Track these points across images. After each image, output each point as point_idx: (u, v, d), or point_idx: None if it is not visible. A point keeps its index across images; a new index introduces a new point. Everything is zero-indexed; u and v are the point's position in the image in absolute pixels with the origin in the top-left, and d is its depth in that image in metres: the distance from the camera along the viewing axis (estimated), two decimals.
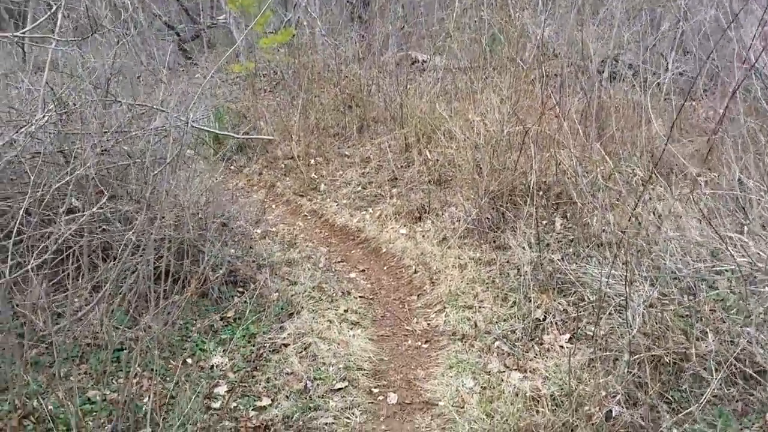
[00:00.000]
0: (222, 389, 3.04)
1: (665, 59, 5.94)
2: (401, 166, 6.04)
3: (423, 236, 4.94)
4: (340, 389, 3.11)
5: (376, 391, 3.18)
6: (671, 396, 2.68)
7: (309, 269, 4.49)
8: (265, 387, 3.10)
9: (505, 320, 3.58)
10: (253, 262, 4.26)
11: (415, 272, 4.56)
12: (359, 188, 6.09)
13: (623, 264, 3.04)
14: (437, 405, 3.01)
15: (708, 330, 2.71)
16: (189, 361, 3.20)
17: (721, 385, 2.55)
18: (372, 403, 3.07)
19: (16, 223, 2.52)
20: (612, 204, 3.82)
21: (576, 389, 2.76)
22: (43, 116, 2.99)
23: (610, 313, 3.15)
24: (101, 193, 3.06)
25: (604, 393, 2.72)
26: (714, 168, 4.04)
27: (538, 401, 2.84)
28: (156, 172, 3.06)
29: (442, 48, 7.48)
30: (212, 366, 3.21)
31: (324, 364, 3.31)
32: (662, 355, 2.75)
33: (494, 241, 4.39)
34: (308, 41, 8.53)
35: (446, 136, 5.69)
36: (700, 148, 4.71)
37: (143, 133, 3.54)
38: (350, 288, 4.36)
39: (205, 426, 2.71)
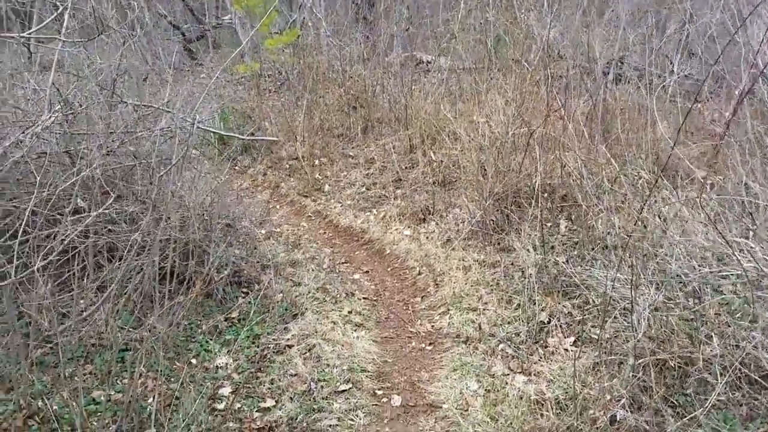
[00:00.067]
0: (226, 390, 3.04)
1: (671, 61, 5.93)
2: (405, 167, 6.04)
3: (427, 238, 4.93)
4: (344, 391, 3.12)
5: (380, 393, 3.18)
6: (676, 400, 2.68)
7: (313, 270, 4.49)
8: (269, 388, 3.10)
9: (509, 323, 3.57)
10: (258, 262, 4.26)
11: (419, 274, 4.56)
12: (363, 189, 6.09)
13: (629, 267, 3.03)
14: (441, 408, 3.01)
15: (713, 334, 2.70)
16: (194, 361, 3.21)
17: (726, 389, 2.54)
18: (376, 405, 3.07)
19: (22, 223, 2.53)
20: (617, 207, 3.82)
21: (580, 393, 2.75)
22: (49, 117, 3.00)
23: (615, 317, 3.14)
24: (107, 193, 3.07)
25: (608, 397, 2.71)
26: (719, 171, 4.03)
27: (543, 405, 2.84)
28: (162, 173, 3.06)
29: (447, 49, 7.48)
30: (216, 367, 3.21)
31: (328, 365, 3.31)
32: (667, 359, 2.74)
33: (498, 243, 4.39)
34: (313, 42, 8.54)
35: (451, 137, 5.69)
36: (706, 150, 4.70)
37: (149, 134, 3.55)
38: (354, 289, 4.36)
39: (210, 427, 2.71)
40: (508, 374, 3.14)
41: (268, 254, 4.53)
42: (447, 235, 4.77)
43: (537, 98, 5.06)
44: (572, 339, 3.28)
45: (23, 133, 3.01)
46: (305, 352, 3.42)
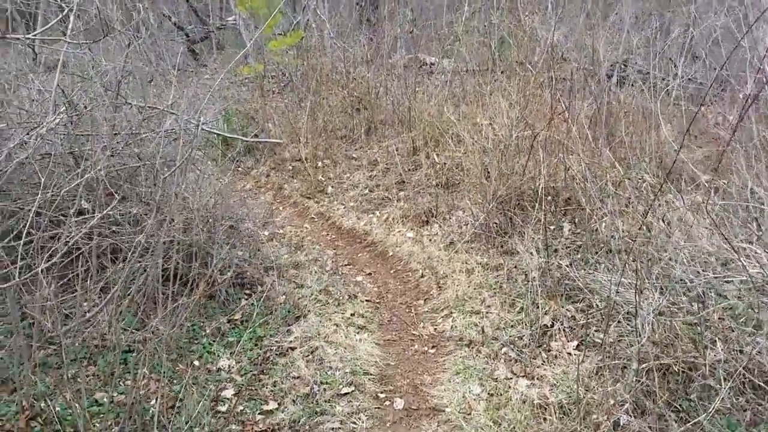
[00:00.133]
0: (229, 392, 3.04)
1: (675, 65, 5.92)
2: (409, 170, 6.04)
3: (430, 240, 4.93)
4: (346, 394, 3.11)
5: (382, 396, 3.18)
6: (679, 405, 2.67)
7: (316, 272, 4.49)
8: (271, 391, 3.10)
9: (512, 326, 3.56)
10: (261, 264, 4.26)
11: (422, 276, 4.56)
12: (366, 191, 6.09)
13: (633, 272, 3.03)
14: (444, 411, 3.00)
15: (717, 339, 2.69)
16: (196, 363, 3.21)
17: (730, 394, 2.53)
18: (378, 408, 3.07)
19: (26, 224, 2.53)
20: (621, 210, 3.81)
21: (584, 397, 2.75)
22: (54, 118, 3.01)
23: (618, 321, 3.13)
24: (111, 195, 3.07)
25: (612, 401, 2.70)
26: (724, 175, 4.01)
27: (546, 409, 2.83)
28: (166, 175, 3.06)
29: (451, 51, 7.49)
30: (219, 369, 3.21)
31: (330, 368, 3.30)
32: (671, 363, 2.74)
33: (502, 246, 4.38)
34: (317, 43, 8.55)
35: (454, 139, 5.69)
36: (710, 154, 4.69)
37: (153, 136, 3.55)
38: (357, 291, 4.36)
39: (212, 429, 2.71)
40: (511, 378, 3.14)
41: (271, 256, 4.53)
42: (450, 238, 4.77)
43: (541, 101, 5.06)
44: (575, 343, 3.27)
45: (28, 134, 3.02)
46: (308, 355, 3.42)
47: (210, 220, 3.86)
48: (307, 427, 2.84)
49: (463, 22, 7.41)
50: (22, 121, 3.39)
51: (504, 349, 3.37)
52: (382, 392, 3.21)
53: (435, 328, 3.86)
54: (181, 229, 3.42)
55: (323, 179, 6.58)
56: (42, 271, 2.39)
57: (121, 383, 2.89)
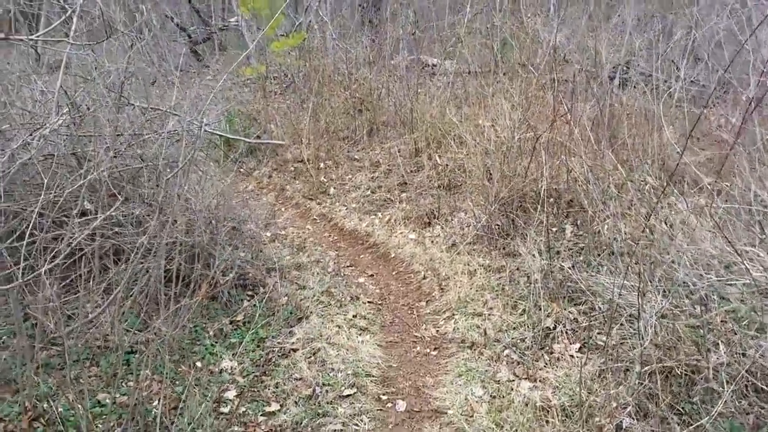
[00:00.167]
0: (231, 394, 3.04)
1: (677, 67, 5.91)
2: (411, 171, 6.04)
3: (432, 242, 4.93)
4: (348, 396, 3.11)
5: (384, 398, 3.18)
6: (682, 408, 2.66)
7: (318, 273, 4.49)
8: (274, 392, 3.10)
9: (514, 328, 3.56)
10: (263, 265, 4.26)
11: (424, 278, 4.55)
12: (368, 192, 6.09)
13: (636, 275, 3.02)
14: (446, 413, 3.00)
15: (720, 342, 2.69)
16: (199, 364, 3.21)
17: (732, 397, 2.53)
18: (380, 410, 3.07)
19: (29, 225, 2.54)
20: (623, 213, 3.81)
21: (586, 400, 2.74)
22: (57, 119, 3.01)
23: (621, 324, 3.13)
24: (114, 196, 3.07)
25: (614, 404, 2.70)
26: (726, 177, 4.01)
27: (548, 411, 2.83)
28: (169, 176, 3.07)
29: (453, 53, 7.49)
30: (221, 370, 3.21)
31: (333, 369, 3.30)
32: (673, 366, 2.73)
33: (504, 248, 4.38)
34: (319, 45, 8.56)
35: (456, 141, 5.69)
36: (712, 156, 4.69)
37: (156, 137, 3.56)
38: (359, 293, 4.36)
39: (215, 431, 2.71)
40: (513, 380, 3.13)
41: (274, 257, 4.53)
42: (452, 240, 4.77)
43: (543, 103, 5.06)
44: (578, 345, 3.26)
45: (31, 135, 3.02)
46: (310, 356, 3.42)
47: (212, 222, 3.86)
48: (310, 429, 2.84)
49: (465, 23, 7.41)
50: (25, 122, 3.39)
51: (506, 352, 3.37)
52: (384, 394, 3.21)
53: (437, 330, 3.86)
54: (184, 230, 3.42)
55: (325, 180, 6.58)
56: (45, 272, 2.40)
57: (123, 384, 2.89)
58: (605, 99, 4.91)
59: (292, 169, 7.06)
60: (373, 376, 3.33)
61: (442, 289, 4.30)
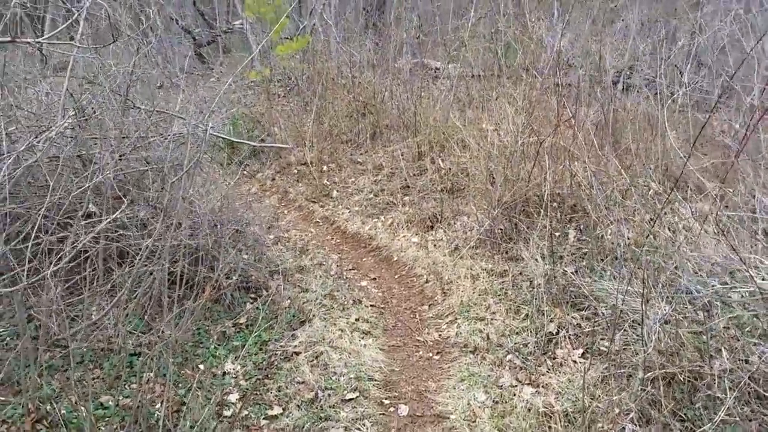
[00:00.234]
0: (234, 397, 3.05)
1: (680, 72, 5.91)
2: (414, 174, 6.04)
3: (435, 245, 4.93)
4: (350, 399, 3.11)
5: (387, 402, 3.18)
6: (685, 414, 2.66)
7: (320, 276, 4.49)
8: (276, 395, 3.11)
9: (517, 333, 3.56)
10: (266, 268, 4.27)
11: (427, 282, 4.55)
12: (371, 195, 6.10)
13: (640, 281, 3.02)
14: (448, 418, 3.00)
15: (722, 348, 2.68)
16: (201, 367, 3.22)
17: (735, 404, 2.52)
18: (383, 414, 3.07)
19: (34, 227, 2.55)
20: (627, 218, 3.80)
21: (589, 406, 2.74)
22: (63, 122, 3.02)
23: (624, 330, 3.12)
24: (119, 198, 3.08)
25: (617, 410, 2.70)
26: (730, 183, 4.01)
27: (551, 417, 2.83)
28: (174, 179, 3.08)
29: (457, 56, 7.49)
30: (224, 373, 3.22)
31: (335, 373, 3.31)
32: (676, 372, 2.73)
33: (507, 253, 4.38)
34: (323, 48, 8.58)
35: (459, 145, 5.69)
36: (716, 162, 4.68)
37: (161, 140, 3.57)
38: (361, 296, 4.36)
39: None
40: (516, 385, 3.13)
41: (277, 260, 4.54)
42: (455, 243, 4.77)
43: (546, 107, 5.06)
44: (581, 351, 3.26)
45: (36, 137, 3.04)
46: (312, 360, 3.42)
47: (216, 224, 3.87)
48: None
49: (469, 27, 7.42)
50: (30, 124, 3.41)
51: (509, 356, 3.37)
52: (386, 398, 3.21)
53: (439, 334, 3.86)
54: (188, 233, 3.43)
55: (328, 183, 6.59)
56: (49, 274, 2.41)
57: (126, 387, 2.90)
58: (609, 104, 4.91)
59: (296, 171, 7.07)
60: (375, 380, 3.33)
61: (444, 293, 4.31)
